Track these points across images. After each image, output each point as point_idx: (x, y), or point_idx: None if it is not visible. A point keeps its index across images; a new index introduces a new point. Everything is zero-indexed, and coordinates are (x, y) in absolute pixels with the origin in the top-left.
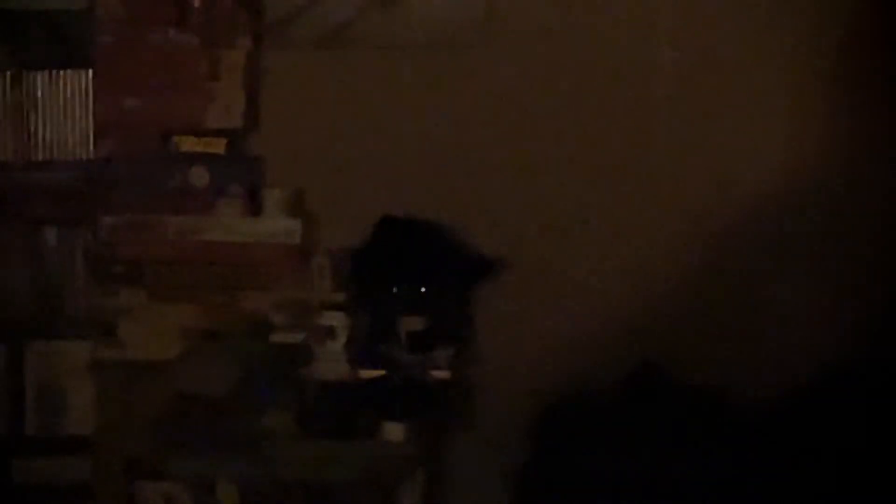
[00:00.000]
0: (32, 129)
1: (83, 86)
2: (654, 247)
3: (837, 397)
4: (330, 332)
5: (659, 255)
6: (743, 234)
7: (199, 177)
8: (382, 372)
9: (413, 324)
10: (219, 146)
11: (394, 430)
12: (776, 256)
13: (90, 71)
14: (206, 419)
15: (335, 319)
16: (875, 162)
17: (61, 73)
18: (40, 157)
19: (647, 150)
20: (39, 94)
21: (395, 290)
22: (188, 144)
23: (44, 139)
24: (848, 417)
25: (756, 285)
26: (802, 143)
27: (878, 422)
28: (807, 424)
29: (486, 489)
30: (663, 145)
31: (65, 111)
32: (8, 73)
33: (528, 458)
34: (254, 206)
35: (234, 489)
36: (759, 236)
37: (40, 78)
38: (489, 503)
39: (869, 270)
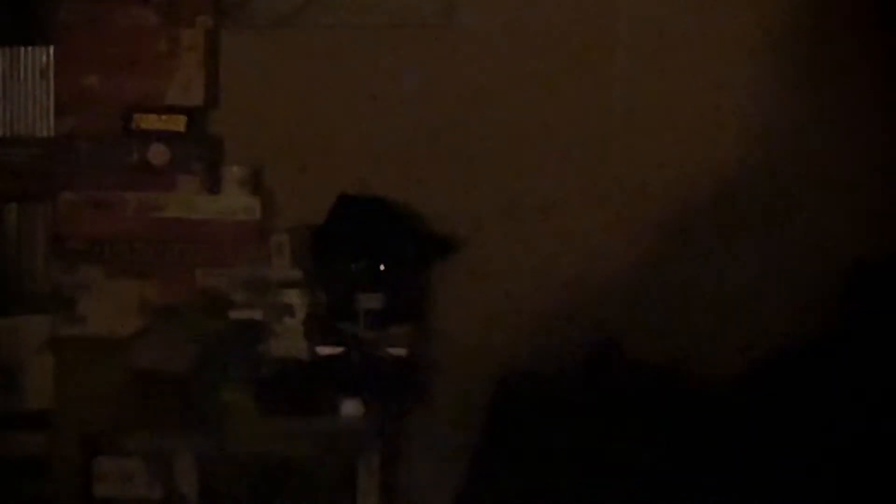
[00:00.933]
0: None
1: (44, 63)
2: (612, 226)
3: (795, 372)
4: (288, 310)
5: (616, 235)
6: (699, 214)
7: (159, 154)
8: (340, 349)
9: (371, 301)
10: (178, 124)
11: (352, 407)
12: (731, 234)
13: (51, 48)
14: (164, 396)
15: (293, 296)
16: (829, 138)
17: (22, 50)
18: (0, 134)
19: (605, 133)
20: (0, 71)
21: (353, 267)
22: (148, 122)
23: (4, 116)
24: (806, 393)
25: (712, 264)
26: (756, 121)
27: (838, 396)
28: (765, 400)
29: (442, 465)
30: (622, 129)
31: (25, 88)
32: None
33: (485, 435)
34: (213, 184)
35: (192, 465)
36: (714, 215)
37: (1, 54)
38: (446, 479)
39: (824, 244)
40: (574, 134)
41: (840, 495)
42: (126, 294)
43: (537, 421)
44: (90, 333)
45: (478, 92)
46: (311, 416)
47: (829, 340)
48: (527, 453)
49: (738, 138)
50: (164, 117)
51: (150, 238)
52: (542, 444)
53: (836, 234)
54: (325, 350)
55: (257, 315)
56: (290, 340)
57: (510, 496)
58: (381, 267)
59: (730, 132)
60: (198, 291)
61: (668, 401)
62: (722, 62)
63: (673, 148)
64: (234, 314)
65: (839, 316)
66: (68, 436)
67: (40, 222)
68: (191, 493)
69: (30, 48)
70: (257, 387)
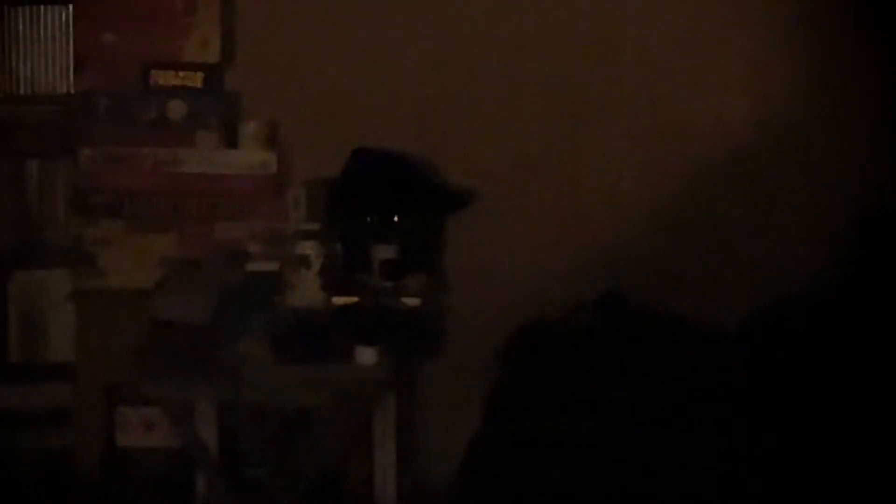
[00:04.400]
0: (13, 64)
1: (63, 21)
2: (623, 177)
3: (800, 319)
4: (304, 261)
5: (627, 186)
6: (709, 166)
7: (177, 110)
8: (356, 299)
9: (386, 252)
10: (196, 80)
11: (367, 355)
12: (740, 186)
13: (70, 6)
14: (183, 346)
15: (309, 248)
16: (836, 101)
17: (41, 8)
18: (21, 92)
19: (618, 85)
20: (20, 29)
21: (368, 219)
22: (166, 78)
23: (24, 74)
24: (811, 340)
25: (721, 214)
26: (769, 78)
27: (841, 344)
28: (770, 346)
29: (457, 412)
30: (633, 81)
31: (45, 46)
32: None
33: (498, 382)
34: (230, 139)
35: (211, 414)
36: (724, 167)
37: (21, 14)
38: (460, 426)
39: (831, 196)
40: (588, 85)
41: (842, 441)
42: (145, 248)
43: (549, 368)
44: (111, 286)
45: (494, 44)
46: (327, 364)
47: (834, 289)
48: (538, 400)
49: (753, 97)
50: (181, 73)
51: (168, 192)
52: (555, 391)
53: (842, 187)
54: (340, 300)
55: (274, 267)
56: (306, 291)
57: (524, 442)
58: (396, 219)
59: (744, 92)
60: (215, 244)
61: (675, 348)
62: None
63: (683, 102)
64: (251, 266)
65: (844, 265)
66: (90, 387)
67: (61, 178)
68: (210, 442)
69: (49, 6)
70: (274, 337)
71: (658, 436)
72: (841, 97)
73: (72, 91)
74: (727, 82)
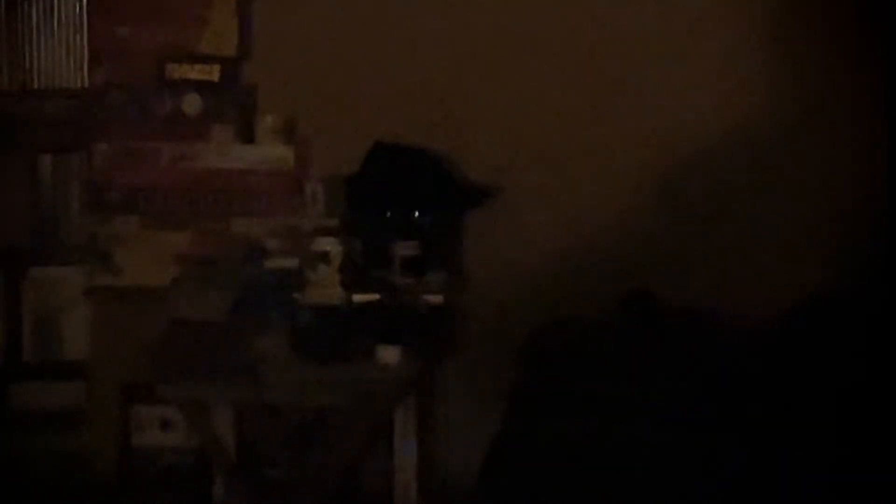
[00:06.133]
0: (28, 58)
1: (77, 14)
2: (644, 174)
3: (826, 320)
4: (324, 257)
5: (649, 183)
6: (732, 162)
7: (193, 104)
8: (376, 296)
9: (406, 249)
10: (212, 73)
11: (388, 354)
12: (765, 182)
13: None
14: (200, 344)
15: (329, 244)
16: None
17: (56, 1)
18: (35, 86)
19: (630, 85)
20: (34, 23)
21: (388, 215)
22: (182, 72)
23: (38, 68)
24: (838, 339)
25: (746, 210)
26: (782, 75)
27: (865, 345)
28: (797, 346)
29: (479, 412)
30: (653, 78)
31: (59, 40)
32: (3, 2)
33: (520, 381)
34: (247, 133)
35: (229, 414)
36: (748, 163)
37: (35, 7)
38: (482, 426)
39: (848, 195)
40: (607, 85)
41: (870, 445)
42: (161, 244)
43: (572, 367)
44: (126, 284)
45: (514, 37)
46: (347, 363)
47: (860, 289)
48: (562, 399)
49: (769, 91)
50: (197, 67)
51: (184, 188)
52: (577, 390)
53: (872, 189)
54: (360, 298)
55: (293, 263)
56: (325, 288)
57: (546, 441)
58: (416, 214)
59: (759, 87)
60: (232, 240)
61: (704, 347)
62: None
63: (704, 96)
64: (270, 263)
65: (871, 265)
66: (106, 386)
67: (75, 173)
68: (228, 442)
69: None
70: (293, 335)
71: (684, 436)
72: (837, 94)
73: (86, 85)
74: (747, 81)
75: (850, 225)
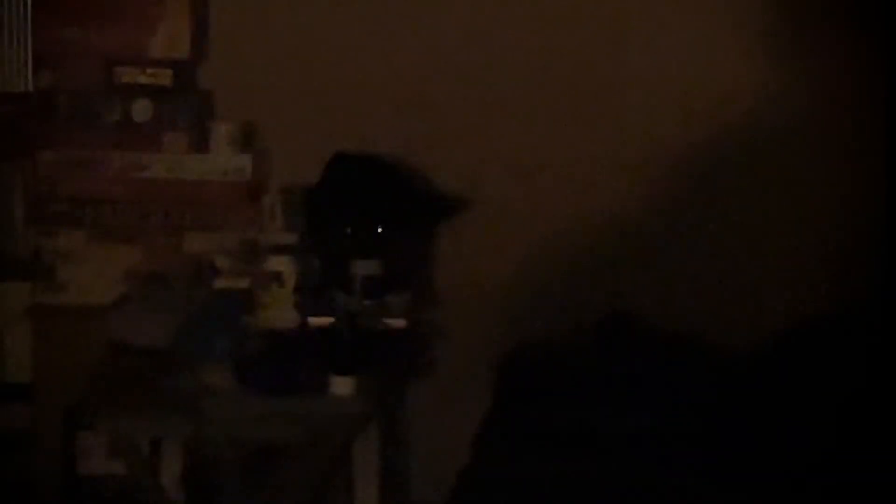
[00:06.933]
0: None
1: (21, 14)
2: (620, 188)
3: (813, 344)
4: (277, 278)
5: (629, 195)
6: (716, 178)
7: (143, 110)
8: (332, 320)
9: (367, 268)
10: (164, 78)
11: (342, 385)
12: (749, 199)
13: None
14: (141, 373)
15: (283, 264)
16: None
17: None
18: None
19: (608, 88)
20: None
21: (348, 230)
22: (131, 76)
23: None
24: (825, 364)
25: (731, 228)
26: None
27: (855, 367)
28: (782, 371)
29: (445, 447)
30: (634, 80)
31: (2, 41)
32: None
33: (491, 411)
34: (201, 142)
35: (176, 447)
36: (732, 180)
37: None
38: (450, 462)
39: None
40: (585, 85)
41: (854, 464)
42: (109, 260)
43: (547, 396)
44: (71, 302)
45: (482, 44)
46: (297, 396)
47: (848, 313)
48: (536, 431)
49: (757, 97)
50: (148, 71)
51: (134, 200)
52: (553, 422)
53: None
54: (316, 321)
55: (244, 284)
56: (278, 311)
57: (518, 476)
58: (379, 230)
59: (746, 95)
60: (185, 257)
61: (682, 375)
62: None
63: (686, 105)
64: (219, 283)
65: (859, 288)
66: (50, 410)
67: (18, 183)
68: (174, 476)
69: None
70: (239, 364)
71: (660, 475)
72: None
73: (30, 90)
74: (731, 84)
75: (846, 241)
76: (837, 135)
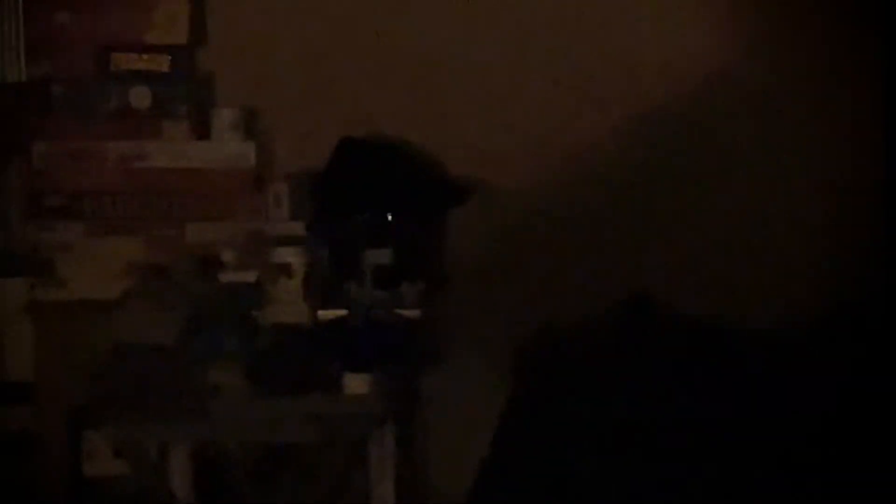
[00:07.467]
0: None
1: (12, 0)
2: (635, 168)
3: (834, 330)
4: (285, 270)
5: (640, 177)
6: (735, 166)
7: (141, 97)
8: (344, 312)
9: (379, 257)
10: (162, 63)
11: (356, 383)
12: (769, 187)
13: None
14: (148, 374)
15: (291, 255)
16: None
17: None
18: None
19: (622, 69)
20: None
21: (358, 218)
22: (128, 62)
23: None
24: (845, 351)
25: (749, 215)
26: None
27: (875, 354)
28: (801, 356)
29: (463, 436)
30: (646, 65)
31: None
32: None
33: (510, 399)
34: (202, 129)
35: (185, 450)
36: (751, 165)
37: None
38: (467, 452)
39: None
40: (597, 66)
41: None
42: (109, 254)
43: (568, 382)
44: (71, 298)
45: (494, 20)
46: (310, 395)
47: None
48: (558, 420)
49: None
50: (145, 56)
51: (133, 191)
52: (575, 410)
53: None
54: (327, 314)
55: (251, 277)
56: (287, 305)
57: (538, 471)
58: (390, 217)
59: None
60: (187, 249)
61: (707, 358)
62: None
63: (698, 94)
64: (225, 277)
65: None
66: (53, 409)
67: (13, 176)
68: (183, 486)
69: None
70: (249, 363)
71: (677, 472)
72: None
73: (24, 79)
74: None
75: (851, 230)
76: (842, 122)
